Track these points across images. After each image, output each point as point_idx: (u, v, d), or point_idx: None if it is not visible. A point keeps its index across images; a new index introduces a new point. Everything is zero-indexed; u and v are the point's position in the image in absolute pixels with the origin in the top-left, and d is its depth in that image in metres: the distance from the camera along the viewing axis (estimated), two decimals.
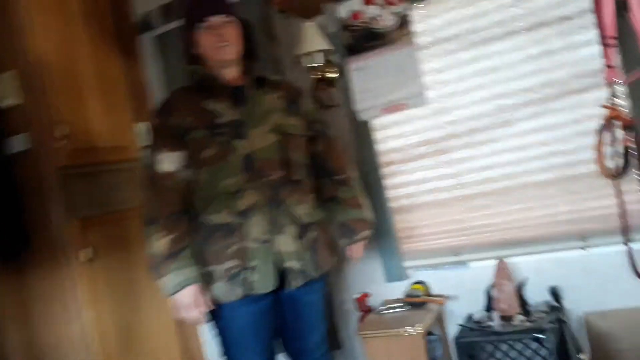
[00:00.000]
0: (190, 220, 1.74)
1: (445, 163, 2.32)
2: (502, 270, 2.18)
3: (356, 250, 1.98)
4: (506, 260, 2.22)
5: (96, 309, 2.24)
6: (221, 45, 1.74)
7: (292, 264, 1.74)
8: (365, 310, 2.50)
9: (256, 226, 1.70)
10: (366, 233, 1.95)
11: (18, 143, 2.19)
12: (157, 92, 2.73)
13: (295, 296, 1.83)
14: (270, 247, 1.71)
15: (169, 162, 1.71)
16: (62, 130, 2.18)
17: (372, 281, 2.53)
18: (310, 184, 1.87)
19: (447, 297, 2.40)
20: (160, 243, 1.66)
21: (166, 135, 1.73)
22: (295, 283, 1.75)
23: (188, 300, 1.67)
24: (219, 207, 1.71)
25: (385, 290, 2.49)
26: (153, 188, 1.72)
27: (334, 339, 2.74)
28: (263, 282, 1.70)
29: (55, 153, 2.17)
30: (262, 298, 1.74)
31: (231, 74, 1.80)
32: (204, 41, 1.75)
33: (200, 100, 1.75)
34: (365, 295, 2.51)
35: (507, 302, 2.16)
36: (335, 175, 1.94)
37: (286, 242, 1.73)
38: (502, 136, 2.21)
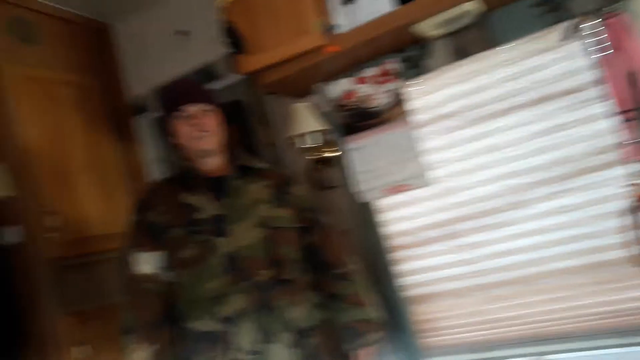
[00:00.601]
0: (173, 326, 1.59)
1: (459, 248, 2.11)
2: None
3: (364, 356, 1.72)
4: (544, 358, 1.96)
5: None
6: (199, 135, 1.65)
7: None
8: None
9: (244, 335, 1.52)
10: (374, 336, 1.69)
11: (11, 235, 2.15)
12: (155, 174, 2.67)
13: None
14: (261, 359, 1.52)
15: (147, 263, 1.60)
16: (54, 222, 2.14)
17: None
18: (305, 282, 1.68)
19: None
20: (140, 354, 1.51)
21: (144, 234, 1.62)
22: None
23: None
24: (202, 313, 1.55)
25: None
26: (131, 291, 1.59)
27: None
28: None
29: (47, 245, 2.13)
30: None
31: (212, 164, 1.70)
32: (181, 131, 1.67)
33: (179, 194, 1.64)
34: None
35: None
36: (333, 269, 1.74)
37: (279, 354, 1.54)
38: (517, 219, 1.99)
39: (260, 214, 1.63)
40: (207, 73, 2.57)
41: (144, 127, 2.72)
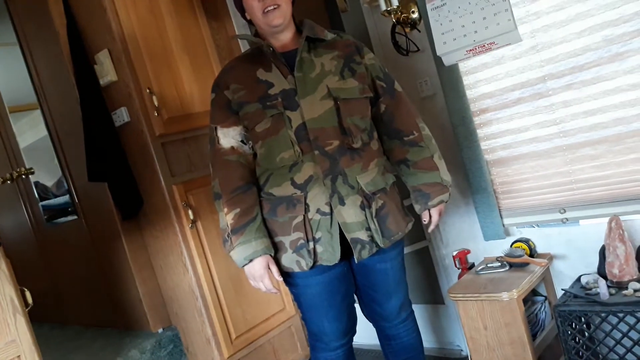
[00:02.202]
0: (258, 192, 1.75)
1: (545, 108, 2.00)
2: (615, 230, 1.86)
3: (433, 216, 1.83)
4: (623, 218, 1.90)
5: (206, 262, 2.44)
6: (269, 9, 1.64)
7: (357, 235, 1.67)
8: (465, 267, 2.36)
9: (317, 198, 1.65)
10: (442, 197, 1.79)
11: (120, 116, 2.40)
12: (242, 50, 2.72)
13: (368, 265, 1.79)
14: (332, 218, 1.65)
15: (228, 137, 1.73)
16: (156, 101, 2.32)
17: (471, 238, 2.36)
18: (376, 149, 1.75)
19: (551, 257, 2.15)
20: (226, 218, 1.69)
21: (223, 110, 1.74)
22: (362, 254, 1.69)
23: (258, 272, 1.69)
24: (279, 180, 1.69)
25: (486, 247, 2.32)
26: (216, 163, 1.74)
27: (435, 295, 2.66)
28: (328, 254, 1.67)
29: (152, 124, 2.34)
30: (332, 267, 1.71)
31: (284, 38, 1.73)
32: (252, 6, 1.67)
33: (254, 70, 1.70)
34: (464, 252, 2.36)
35: (619, 267, 1.86)
36: (405, 136, 1.78)
37: (349, 213, 1.66)
38: (613, 73, 1.82)
39: (328, 86, 1.66)
40: None
41: (231, 3, 2.75)
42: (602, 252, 1.94)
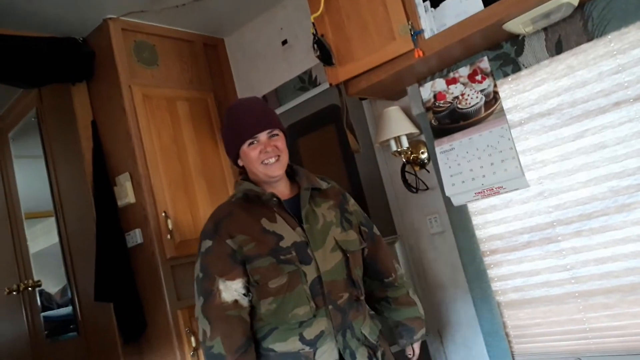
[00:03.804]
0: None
1: (555, 253, 2.00)
2: None
3: (415, 350, 1.88)
4: None
5: None
6: (270, 161, 1.65)
7: None
8: None
9: (327, 355, 1.57)
10: (423, 330, 1.85)
11: (134, 237, 2.43)
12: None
13: None
14: None
15: (230, 290, 1.58)
16: (170, 225, 2.37)
17: None
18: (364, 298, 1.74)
19: None
20: None
21: (226, 260, 1.60)
22: None
23: None
24: (284, 336, 1.58)
25: None
26: (216, 319, 1.57)
27: None
28: None
29: (164, 246, 2.37)
30: None
31: (280, 186, 1.71)
32: (251, 156, 1.66)
33: (257, 220, 1.62)
34: None
35: None
36: (385, 278, 1.83)
37: None
38: (621, 223, 1.85)
39: (335, 238, 1.66)
40: (306, 80, 2.70)
41: None
42: None
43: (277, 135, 1.70)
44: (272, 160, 1.66)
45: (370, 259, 1.82)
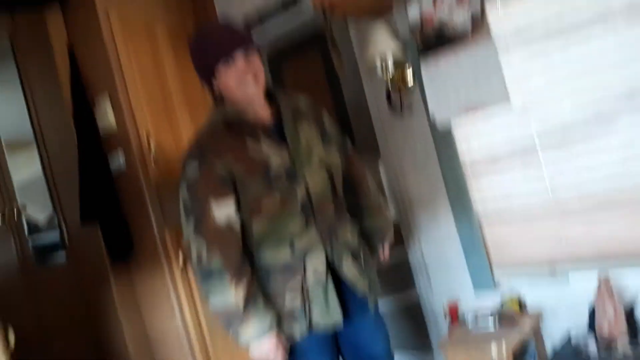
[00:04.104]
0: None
1: (535, 166, 2.05)
2: (603, 289, 1.88)
3: (386, 250, 1.97)
4: (615, 275, 1.91)
5: (194, 307, 2.42)
6: (249, 81, 1.61)
7: (361, 286, 1.73)
8: (455, 318, 2.35)
9: (315, 261, 1.66)
10: (391, 233, 1.96)
11: (117, 160, 2.41)
12: None
13: (361, 318, 1.79)
14: (329, 280, 1.67)
15: (222, 211, 1.59)
16: (153, 148, 2.35)
17: (461, 287, 2.37)
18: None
19: (541, 314, 2.15)
20: (232, 295, 1.56)
21: (216, 182, 1.60)
22: (371, 302, 1.77)
23: (273, 345, 1.61)
24: (276, 248, 1.65)
25: (475, 298, 2.32)
26: (212, 238, 1.58)
27: (424, 343, 2.63)
28: (326, 318, 1.66)
29: (148, 170, 2.36)
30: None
31: (259, 109, 1.68)
32: (230, 77, 1.62)
33: (242, 143, 1.62)
34: (455, 305, 2.35)
35: (608, 328, 1.86)
36: (358, 186, 1.89)
37: (348, 269, 1.71)
38: (602, 133, 1.88)
39: (318, 156, 1.69)
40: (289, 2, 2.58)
41: None
42: (592, 312, 1.95)
43: (253, 53, 1.65)
44: (250, 78, 1.62)
45: (345, 169, 1.84)
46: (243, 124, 1.65)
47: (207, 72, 1.66)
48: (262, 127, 1.65)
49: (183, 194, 1.64)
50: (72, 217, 2.61)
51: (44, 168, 2.83)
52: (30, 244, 3.19)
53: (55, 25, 2.50)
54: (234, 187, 1.62)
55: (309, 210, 1.65)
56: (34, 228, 3.21)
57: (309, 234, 1.66)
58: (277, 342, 1.62)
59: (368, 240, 1.89)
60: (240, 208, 1.63)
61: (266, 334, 1.59)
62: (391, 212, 1.99)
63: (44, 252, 3.11)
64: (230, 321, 1.60)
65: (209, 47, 1.64)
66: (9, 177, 3.19)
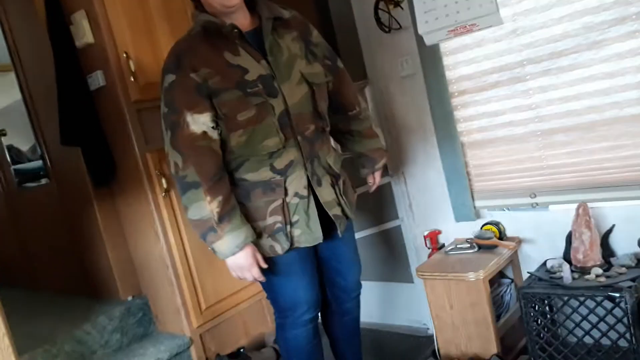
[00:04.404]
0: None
1: (522, 92, 2.02)
2: (581, 217, 1.90)
3: (376, 178, 2.00)
4: (591, 205, 1.93)
5: (178, 231, 2.42)
6: None
7: (335, 211, 1.73)
8: (435, 247, 2.39)
9: (296, 182, 1.66)
10: (384, 160, 1.97)
11: (95, 80, 2.34)
12: None
13: (334, 237, 1.81)
14: (309, 201, 1.67)
15: (198, 123, 1.58)
16: (133, 67, 2.28)
17: (443, 218, 2.39)
18: (329, 130, 1.80)
19: (520, 241, 2.19)
20: (209, 207, 1.57)
21: (191, 94, 1.58)
22: (341, 228, 1.76)
23: (247, 260, 1.62)
24: (256, 166, 1.64)
25: (457, 228, 2.35)
26: (188, 149, 1.58)
27: (405, 273, 2.69)
28: (306, 236, 1.68)
29: (128, 89, 2.29)
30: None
31: (239, 17, 1.63)
32: None
33: (220, 53, 1.59)
34: (435, 232, 2.39)
35: (584, 253, 1.90)
36: (349, 110, 1.88)
37: (326, 192, 1.72)
38: (590, 60, 1.85)
39: (300, 71, 1.65)
40: None
41: None
42: (569, 238, 1.98)
43: None
44: None
45: (335, 92, 1.83)
46: (221, 31, 1.59)
47: None
48: (241, 36, 1.60)
49: (162, 106, 1.64)
50: (54, 143, 2.56)
51: (22, 93, 2.76)
52: (12, 170, 3.16)
53: None
54: (209, 100, 1.59)
55: (288, 126, 1.62)
56: (16, 156, 3.17)
57: (288, 152, 1.64)
58: (252, 256, 1.63)
59: (357, 167, 1.90)
60: (218, 121, 1.61)
61: (241, 247, 1.60)
62: (383, 140, 1.95)
63: (27, 178, 3.09)
64: (205, 233, 1.60)
65: None
66: None
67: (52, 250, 2.98)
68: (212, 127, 1.61)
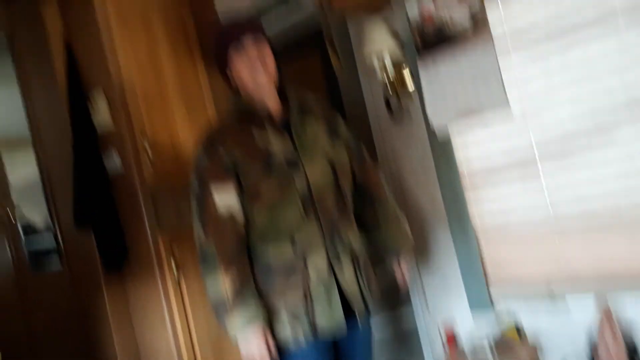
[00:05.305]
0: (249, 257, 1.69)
1: (534, 177, 1.99)
2: (606, 319, 1.81)
3: (404, 269, 1.94)
4: (614, 298, 1.85)
5: (186, 320, 2.37)
6: (258, 68, 1.69)
7: (356, 296, 1.71)
8: (452, 346, 2.28)
9: (317, 262, 1.65)
10: (411, 248, 1.93)
11: (112, 161, 2.38)
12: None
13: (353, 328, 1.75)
14: (331, 283, 1.66)
15: (224, 197, 1.64)
16: (148, 148, 2.31)
17: (457, 305, 2.31)
18: (352, 210, 1.81)
19: (540, 347, 2.08)
20: (222, 281, 1.59)
21: (219, 169, 1.67)
22: (360, 319, 1.73)
23: (256, 341, 1.59)
24: (277, 244, 1.66)
25: (471, 316, 2.25)
26: (210, 223, 1.64)
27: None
28: (330, 320, 1.64)
29: (143, 171, 2.32)
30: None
31: (270, 98, 1.75)
32: (240, 64, 1.71)
33: (249, 132, 1.69)
34: (452, 331, 2.28)
35: (609, 357, 1.79)
36: (372, 195, 1.88)
37: (348, 275, 1.69)
38: (602, 147, 1.83)
39: (323, 150, 1.73)
40: None
41: None
42: (591, 341, 1.87)
43: (262, 41, 1.73)
44: (259, 65, 1.70)
45: (359, 176, 1.86)
46: (252, 112, 1.71)
47: (221, 60, 1.76)
48: (270, 117, 1.71)
49: (192, 179, 1.73)
50: (67, 220, 2.58)
51: (40, 168, 2.81)
52: (25, 248, 3.16)
53: (53, 20, 2.51)
54: (236, 174, 1.66)
55: (309, 202, 1.65)
56: (30, 230, 3.18)
57: (308, 226, 1.65)
58: (262, 336, 1.60)
59: (381, 256, 1.88)
60: (243, 196, 1.66)
61: (250, 325, 1.57)
62: (409, 227, 1.91)
63: (39, 256, 3.08)
64: (218, 310, 1.61)
65: (221, 36, 1.76)
66: (5, 178, 3.17)
67: (58, 334, 2.92)
68: (237, 203, 1.66)
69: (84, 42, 2.42)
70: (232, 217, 1.64)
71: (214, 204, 1.63)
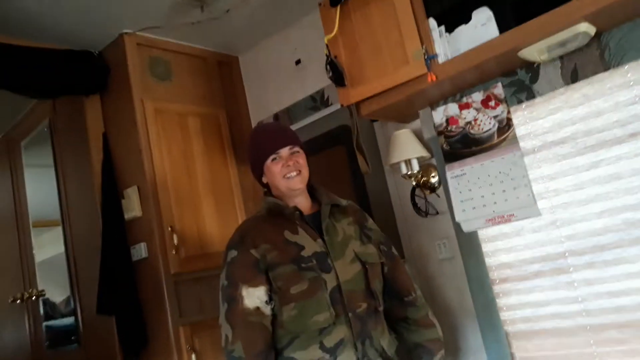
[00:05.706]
0: (276, 356, 1.66)
1: (566, 284, 1.96)
2: None
3: None
4: None
5: None
6: (292, 175, 1.76)
7: None
8: None
9: None
10: (442, 352, 1.85)
11: (139, 251, 2.42)
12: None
13: None
14: None
15: (253, 297, 1.64)
16: (176, 240, 2.36)
17: None
18: (382, 311, 1.78)
19: None
20: None
21: (250, 269, 1.67)
22: None
23: None
24: (305, 344, 1.63)
25: None
26: (239, 324, 1.62)
27: None
28: None
29: (168, 261, 2.35)
30: None
31: (301, 201, 1.80)
32: (275, 171, 1.77)
33: (280, 231, 1.71)
34: None
35: None
36: (404, 297, 1.85)
37: None
38: (635, 256, 1.81)
39: (354, 250, 1.73)
40: (318, 100, 2.69)
41: None
42: None
43: (298, 151, 1.80)
44: (294, 174, 1.76)
45: (390, 277, 1.85)
46: (284, 213, 1.75)
47: (257, 167, 1.82)
48: (301, 217, 1.73)
49: (222, 279, 1.72)
50: (88, 303, 2.59)
51: (67, 250, 2.86)
52: (44, 327, 3.15)
53: (93, 112, 2.65)
54: (266, 274, 1.66)
55: (339, 302, 1.63)
56: (50, 309, 3.19)
57: (338, 329, 1.62)
58: None
59: (414, 358, 1.82)
60: (272, 295, 1.66)
61: None
62: (441, 330, 1.87)
63: (58, 336, 3.06)
64: None
65: (259, 145, 1.82)
66: (32, 260, 3.22)
67: None
68: (266, 302, 1.65)
69: (121, 135, 2.54)
70: (261, 317, 1.63)
71: (243, 307, 1.62)
